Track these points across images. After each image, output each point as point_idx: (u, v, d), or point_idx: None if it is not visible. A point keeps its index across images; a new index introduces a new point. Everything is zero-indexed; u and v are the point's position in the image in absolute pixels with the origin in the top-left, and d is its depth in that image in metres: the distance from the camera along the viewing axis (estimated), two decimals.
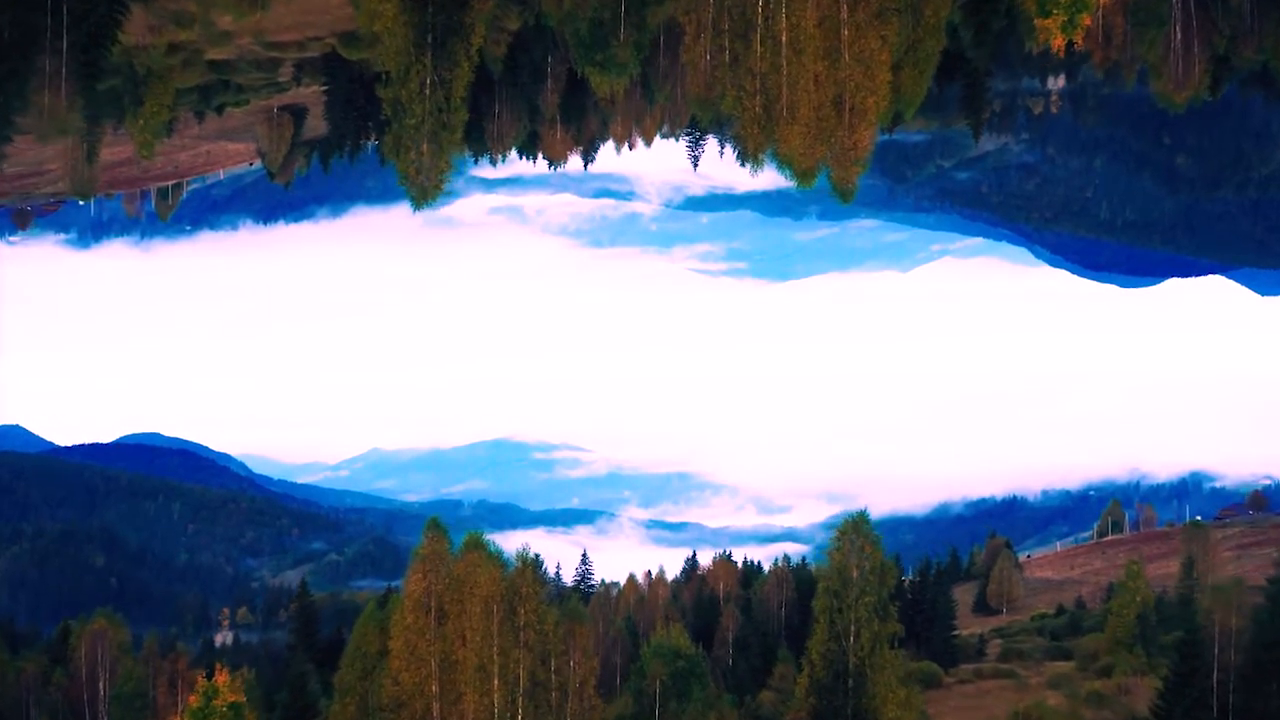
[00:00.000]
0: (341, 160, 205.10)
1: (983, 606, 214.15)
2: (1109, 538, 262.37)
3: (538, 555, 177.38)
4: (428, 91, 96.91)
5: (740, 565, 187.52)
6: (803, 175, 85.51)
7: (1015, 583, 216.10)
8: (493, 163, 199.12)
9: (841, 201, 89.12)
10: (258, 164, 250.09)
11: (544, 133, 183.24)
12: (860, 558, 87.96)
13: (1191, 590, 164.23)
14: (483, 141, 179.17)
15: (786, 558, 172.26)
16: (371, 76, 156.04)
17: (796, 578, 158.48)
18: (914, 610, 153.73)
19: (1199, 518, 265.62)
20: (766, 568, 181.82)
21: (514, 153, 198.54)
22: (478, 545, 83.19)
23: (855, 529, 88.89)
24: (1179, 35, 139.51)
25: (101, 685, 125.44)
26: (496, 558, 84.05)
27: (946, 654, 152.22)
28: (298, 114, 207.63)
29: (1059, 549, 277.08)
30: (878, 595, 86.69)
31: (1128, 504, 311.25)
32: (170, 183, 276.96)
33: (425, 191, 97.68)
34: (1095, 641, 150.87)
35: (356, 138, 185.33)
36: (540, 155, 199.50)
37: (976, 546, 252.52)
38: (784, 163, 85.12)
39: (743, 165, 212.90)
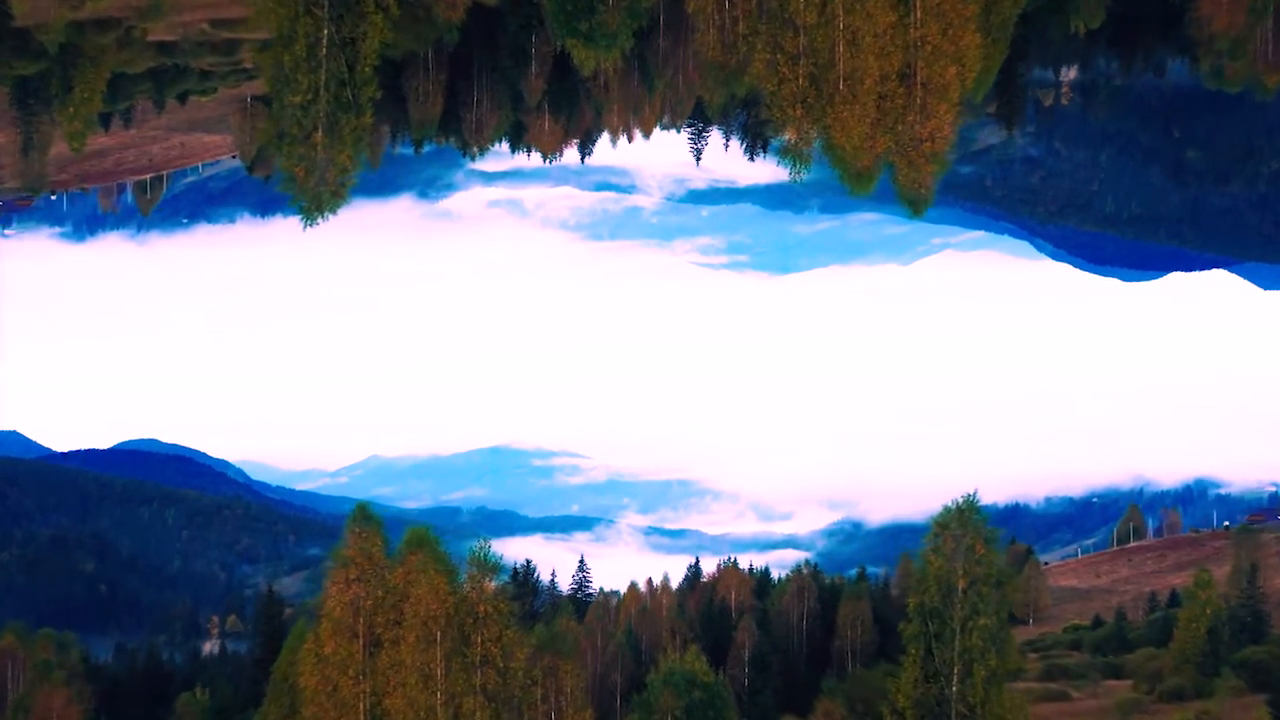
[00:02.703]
0: None
1: (1008, 617, 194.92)
2: (1133, 544, 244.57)
3: (528, 562, 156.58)
4: (323, 56, 69.05)
5: (747, 573, 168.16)
6: (858, 177, 60.48)
7: (1043, 592, 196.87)
8: (471, 156, 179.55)
9: (912, 214, 62.85)
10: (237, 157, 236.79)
11: (530, 122, 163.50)
12: (969, 562, 61.77)
13: (1256, 601, 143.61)
14: (460, 132, 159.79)
15: (808, 563, 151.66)
16: None
17: (818, 586, 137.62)
18: None
19: (1227, 523, 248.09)
20: (773, 576, 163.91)
21: (505, 146, 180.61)
22: (422, 544, 58.59)
23: (961, 520, 62.65)
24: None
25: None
26: (445, 561, 58.92)
27: None
28: (272, 103, 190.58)
29: (1080, 556, 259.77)
30: (995, 617, 62.75)
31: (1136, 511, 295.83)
32: (147, 176, 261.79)
33: (319, 199, 68.92)
34: (1153, 658, 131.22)
35: None
36: (531, 148, 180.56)
37: None
38: (837, 158, 60.42)
39: (757, 158, 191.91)
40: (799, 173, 61.56)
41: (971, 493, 64.40)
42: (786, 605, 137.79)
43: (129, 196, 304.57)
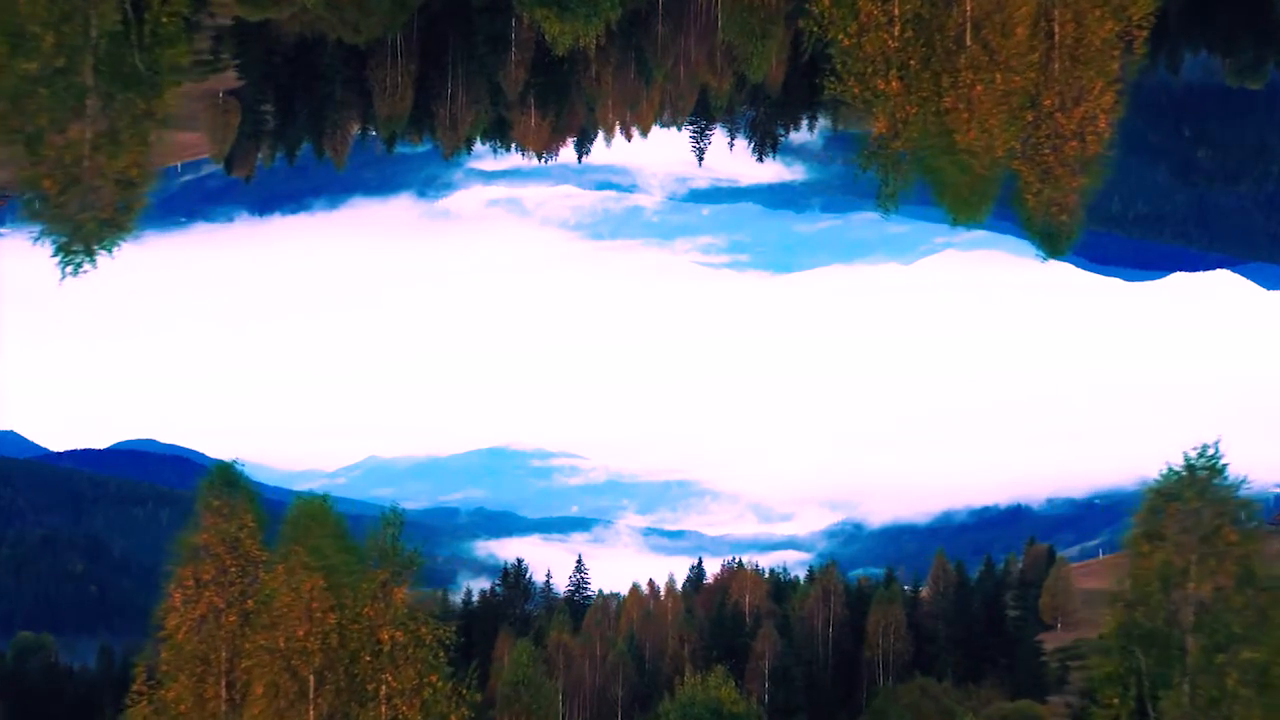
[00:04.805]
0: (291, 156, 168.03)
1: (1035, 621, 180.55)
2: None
3: (519, 562, 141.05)
4: (98, 13, 38.45)
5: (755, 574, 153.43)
6: (964, 203, 37.90)
7: (1073, 595, 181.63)
8: (445, 155, 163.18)
9: (1049, 253, 42.00)
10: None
11: (515, 118, 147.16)
12: (1211, 554, 37.24)
13: None
14: (433, 129, 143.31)
15: (834, 563, 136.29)
16: (295, 44, 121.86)
17: (844, 590, 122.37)
18: (988, 629, 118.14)
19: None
20: (774, 579, 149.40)
21: (494, 145, 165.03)
22: (314, 521, 36.51)
23: (1197, 488, 39.84)
24: None
25: None
26: (332, 552, 35.72)
27: (1035, 686, 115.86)
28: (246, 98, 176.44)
29: (1103, 556, 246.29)
30: (1268, 645, 38.95)
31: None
32: None
33: (83, 230, 40.61)
34: None
35: (283, 125, 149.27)
36: (521, 147, 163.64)
37: (1012, 554, 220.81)
38: (955, 167, 37.66)
39: (766, 159, 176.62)
40: (893, 196, 37.59)
41: (1210, 444, 43.33)
42: (809, 610, 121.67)
43: None
